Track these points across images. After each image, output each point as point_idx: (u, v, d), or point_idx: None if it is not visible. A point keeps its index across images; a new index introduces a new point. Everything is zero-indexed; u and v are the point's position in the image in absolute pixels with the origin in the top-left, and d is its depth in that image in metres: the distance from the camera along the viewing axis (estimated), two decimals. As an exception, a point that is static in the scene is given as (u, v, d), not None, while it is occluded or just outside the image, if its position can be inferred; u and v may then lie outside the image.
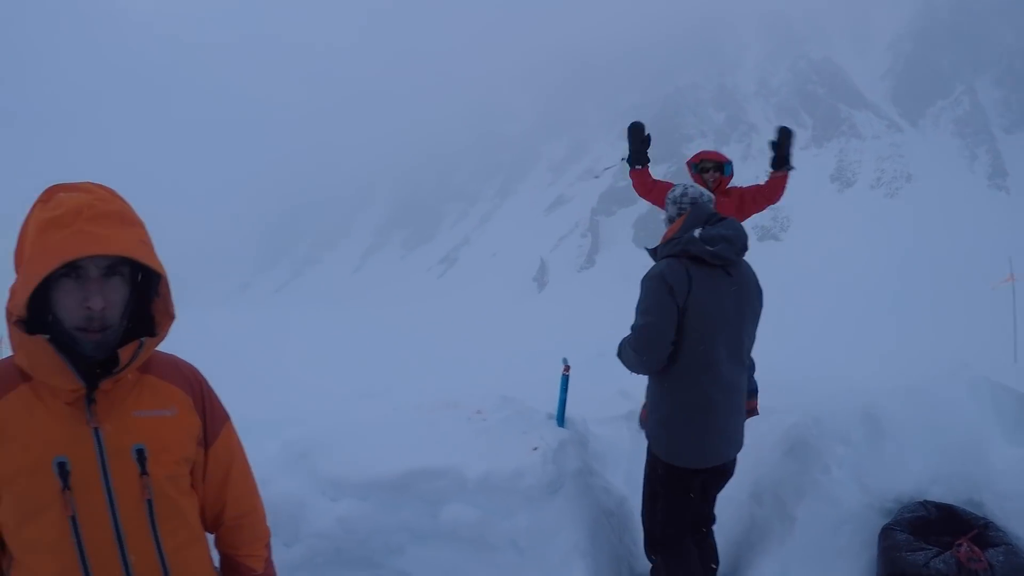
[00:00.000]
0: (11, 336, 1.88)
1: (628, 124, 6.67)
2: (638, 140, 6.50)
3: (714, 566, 4.39)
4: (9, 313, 1.88)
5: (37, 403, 1.90)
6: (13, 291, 1.86)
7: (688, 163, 6.54)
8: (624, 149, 6.66)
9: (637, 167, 6.49)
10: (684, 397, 3.94)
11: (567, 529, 4.39)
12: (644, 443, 4.29)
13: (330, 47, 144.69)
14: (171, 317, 2.05)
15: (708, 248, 3.77)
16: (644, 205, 57.06)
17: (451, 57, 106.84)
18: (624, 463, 5.87)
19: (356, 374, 16.78)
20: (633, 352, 3.99)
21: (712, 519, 4.40)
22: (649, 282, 3.91)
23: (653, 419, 4.14)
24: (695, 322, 3.80)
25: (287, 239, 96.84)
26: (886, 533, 3.95)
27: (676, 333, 3.83)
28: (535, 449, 4.60)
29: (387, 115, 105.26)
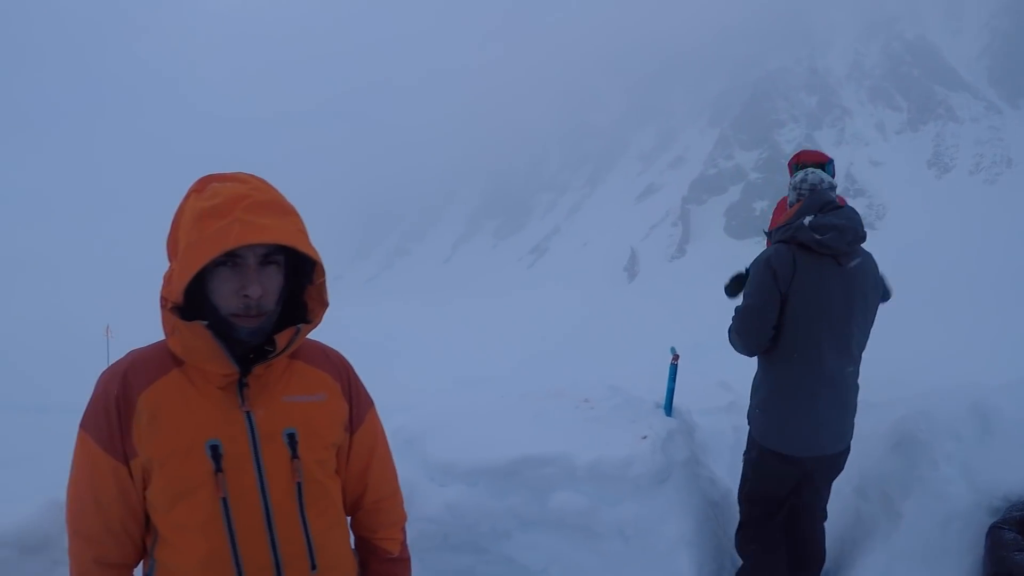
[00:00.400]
0: (165, 322, 1.93)
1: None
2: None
3: (815, 566, 4.37)
4: (164, 300, 1.92)
5: (189, 387, 1.95)
6: (168, 279, 1.92)
7: (789, 164, 6.47)
8: None
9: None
10: (782, 382, 3.97)
11: (674, 519, 4.40)
12: (745, 435, 4.32)
13: (417, 38, 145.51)
14: (325, 304, 2.08)
15: (816, 237, 3.75)
16: (735, 193, 56.49)
17: (540, 46, 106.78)
18: (727, 455, 5.85)
19: (453, 363, 16.97)
20: (735, 333, 4.07)
21: (816, 514, 4.36)
22: (755, 265, 3.97)
23: (753, 400, 4.19)
24: (797, 309, 3.80)
25: (378, 231, 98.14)
26: (993, 532, 3.86)
27: (778, 318, 3.86)
28: (644, 438, 4.61)
29: (477, 105, 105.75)
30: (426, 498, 4.41)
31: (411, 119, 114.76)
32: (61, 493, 3.58)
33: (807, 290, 3.79)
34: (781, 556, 4.27)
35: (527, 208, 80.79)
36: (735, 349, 4.22)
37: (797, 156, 6.24)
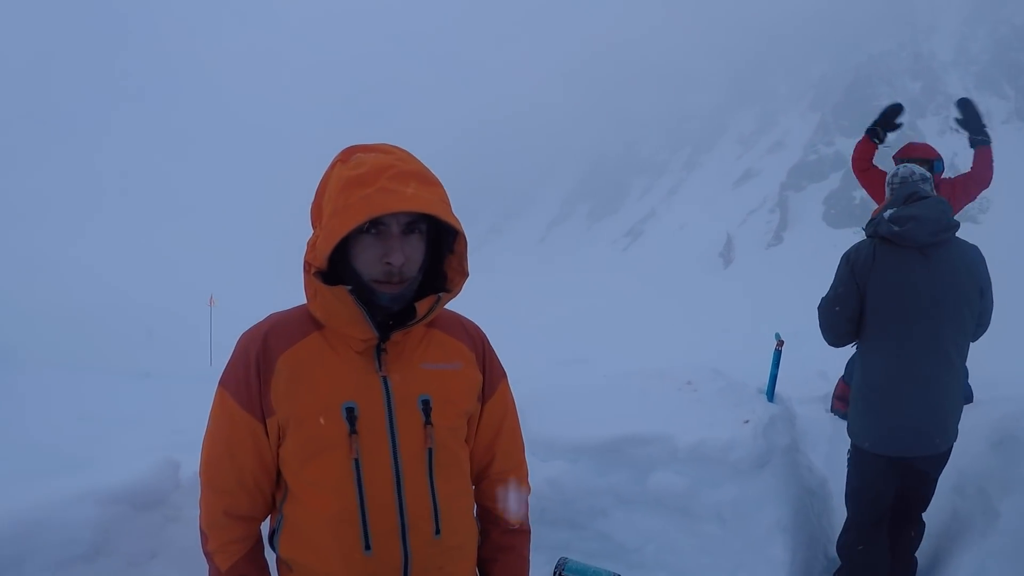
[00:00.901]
0: (308, 285, 2.00)
1: (891, 103, 6.47)
2: (891, 117, 6.31)
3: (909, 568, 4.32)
4: (308, 265, 1.97)
5: (329, 350, 2.02)
6: (312, 244, 1.97)
7: (894, 158, 6.35)
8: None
9: (874, 140, 6.27)
10: (869, 377, 3.97)
11: (772, 505, 4.41)
12: (843, 426, 4.34)
13: (516, 18, 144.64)
14: (465, 274, 2.10)
15: (894, 228, 3.73)
16: (835, 180, 54.80)
17: (639, 27, 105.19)
18: (824, 445, 5.88)
19: (549, 343, 17.10)
20: (820, 323, 4.11)
21: (907, 520, 4.30)
22: (841, 259, 4.00)
23: (851, 394, 4.21)
24: (877, 303, 3.81)
25: (473, 210, 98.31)
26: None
27: (860, 312, 3.88)
28: (746, 422, 4.61)
29: (575, 87, 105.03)
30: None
31: (507, 100, 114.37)
32: (172, 453, 3.87)
33: (887, 283, 3.79)
34: (881, 565, 4.22)
35: (623, 191, 79.97)
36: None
37: (903, 150, 6.15)
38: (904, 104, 6.56)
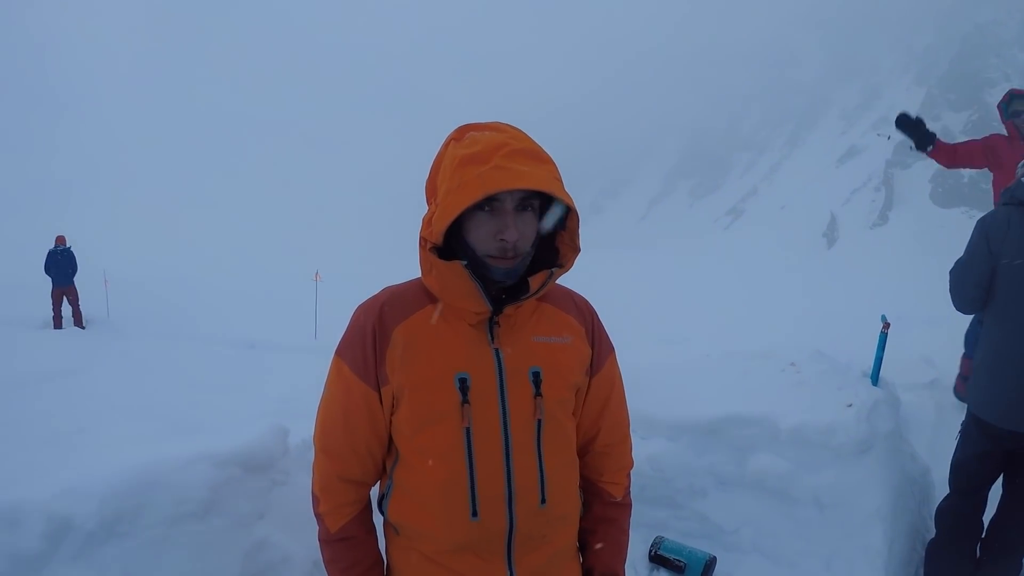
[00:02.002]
0: (423, 260, 2.07)
1: (895, 119, 6.46)
2: (912, 127, 6.28)
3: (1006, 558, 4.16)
4: (424, 240, 2.04)
5: (442, 323, 2.10)
6: (428, 221, 2.03)
7: (998, 106, 6.17)
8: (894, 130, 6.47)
9: (929, 148, 6.23)
10: (993, 346, 3.87)
11: (872, 491, 4.37)
12: (948, 414, 4.26)
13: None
14: (576, 250, 2.17)
15: None
16: (944, 158, 53.06)
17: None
18: (928, 432, 5.76)
19: (649, 321, 17.01)
20: (949, 289, 4.06)
21: (1015, 499, 4.09)
22: (975, 224, 3.93)
23: (973, 364, 4.12)
24: (1009, 272, 3.70)
25: (573, 189, 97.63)
26: None
27: (991, 280, 3.79)
28: (849, 406, 4.57)
29: (675, 62, 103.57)
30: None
31: (608, 76, 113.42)
32: (281, 419, 4.02)
33: (1021, 251, 3.66)
34: (974, 537, 4.16)
35: (725, 168, 78.68)
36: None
37: (1007, 94, 6.01)
38: (1016, 75, 6.47)
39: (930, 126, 6.27)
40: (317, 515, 2.30)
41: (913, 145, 6.32)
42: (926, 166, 50.73)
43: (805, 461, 4.45)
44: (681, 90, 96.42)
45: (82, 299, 20.08)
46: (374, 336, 2.11)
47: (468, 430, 2.05)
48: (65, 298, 19.61)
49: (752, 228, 56.73)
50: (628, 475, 2.57)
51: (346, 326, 2.22)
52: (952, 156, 6.21)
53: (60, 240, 19.80)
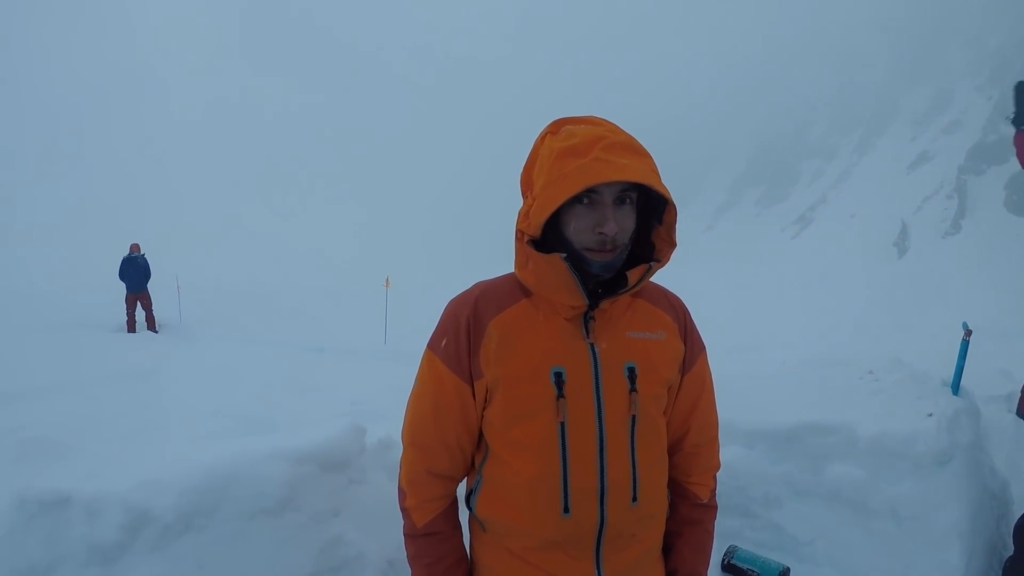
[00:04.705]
0: (519, 253, 2.09)
1: (1015, 83, 6.07)
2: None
3: None
4: (521, 233, 2.06)
5: (538, 316, 2.11)
6: (525, 214, 2.04)
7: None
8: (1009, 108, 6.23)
9: (1022, 128, 5.94)
10: None
11: (951, 505, 4.27)
12: None
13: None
14: (673, 244, 2.14)
15: None
16: (1017, 163, 51.28)
17: (805, 1, 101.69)
18: (1007, 446, 5.65)
19: (719, 330, 16.93)
20: None
21: None
22: None
23: None
24: None
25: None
26: None
27: None
28: (930, 415, 4.49)
29: (740, 67, 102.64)
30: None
31: (674, 86, 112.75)
32: (357, 419, 4.07)
33: None
34: None
35: (793, 175, 77.67)
36: None
37: None
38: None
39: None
40: (403, 509, 2.32)
41: (1013, 116, 6.04)
42: (1000, 172, 49.50)
43: (883, 471, 4.38)
44: (748, 97, 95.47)
45: (155, 304, 20.53)
46: (468, 329, 2.12)
47: (563, 425, 2.05)
48: (139, 303, 20.08)
49: (821, 237, 55.86)
50: (715, 477, 2.55)
51: (437, 321, 2.23)
52: None
53: (134, 247, 20.32)
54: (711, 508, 2.53)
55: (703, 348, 2.45)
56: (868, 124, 75.10)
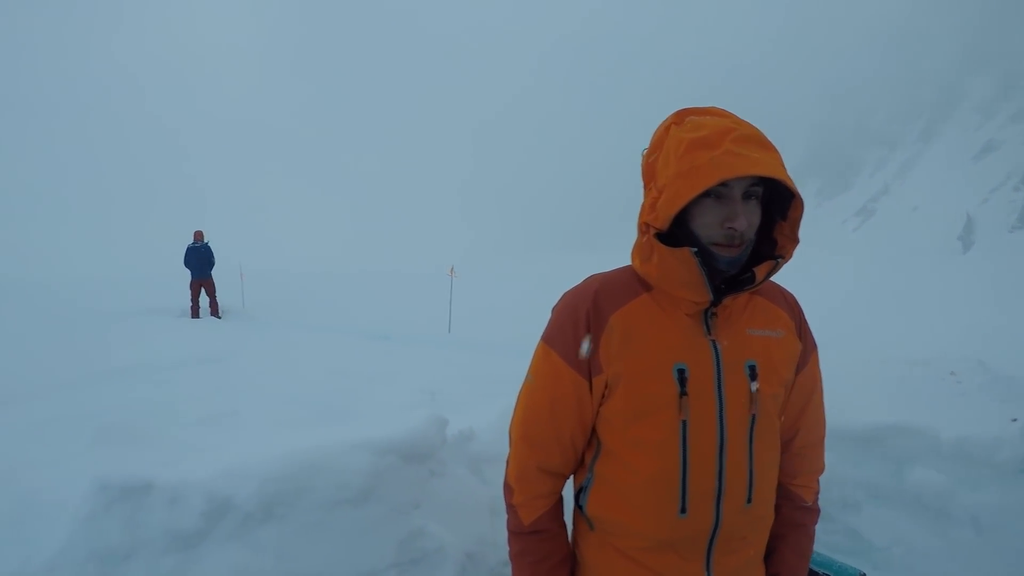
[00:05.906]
0: (644, 247, 2.00)
1: None
2: None
3: None
4: (646, 226, 1.97)
5: (658, 312, 2.02)
6: (651, 206, 1.95)
7: None
8: None
9: None
10: None
11: None
12: None
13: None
14: (796, 241, 2.05)
15: None
16: (1095, 153, 50.05)
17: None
18: None
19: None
20: None
21: None
22: None
23: None
24: None
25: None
26: None
27: None
28: (1014, 420, 4.37)
29: (797, 53, 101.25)
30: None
31: (729, 71, 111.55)
32: (439, 411, 4.07)
33: None
34: None
35: (854, 165, 76.46)
36: None
37: None
38: None
39: None
40: (510, 506, 2.27)
41: None
42: (1073, 161, 48.10)
43: (965, 477, 4.27)
44: (806, 84, 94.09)
45: (218, 291, 20.85)
46: (588, 323, 2.05)
47: (685, 423, 1.98)
48: (203, 289, 20.41)
49: (882, 230, 54.93)
50: (819, 480, 2.47)
51: (553, 313, 2.18)
52: None
53: (198, 235, 20.62)
54: (814, 511, 2.45)
55: (815, 346, 2.36)
56: (932, 112, 73.57)
